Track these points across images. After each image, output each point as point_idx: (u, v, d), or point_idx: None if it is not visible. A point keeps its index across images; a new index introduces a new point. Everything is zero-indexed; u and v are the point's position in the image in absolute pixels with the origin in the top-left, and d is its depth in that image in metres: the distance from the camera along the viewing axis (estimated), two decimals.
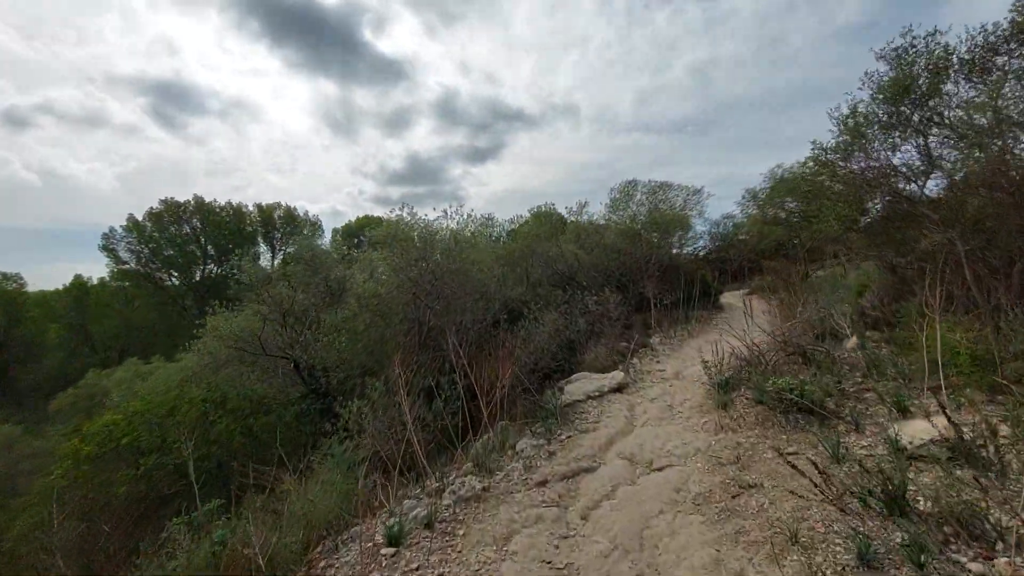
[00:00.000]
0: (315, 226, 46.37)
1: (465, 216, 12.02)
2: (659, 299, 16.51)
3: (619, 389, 9.23)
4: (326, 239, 48.47)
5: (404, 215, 11.25)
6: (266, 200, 49.21)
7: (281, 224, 47.41)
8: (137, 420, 9.04)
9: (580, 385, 9.36)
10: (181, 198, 47.29)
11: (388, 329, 10.97)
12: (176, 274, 46.48)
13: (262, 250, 48.13)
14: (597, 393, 8.93)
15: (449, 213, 11.67)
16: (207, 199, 47.18)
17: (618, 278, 18.21)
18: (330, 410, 9.76)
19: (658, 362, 11.47)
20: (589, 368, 10.70)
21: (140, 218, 46.58)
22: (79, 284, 51.12)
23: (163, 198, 47.17)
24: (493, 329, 11.40)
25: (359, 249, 17.55)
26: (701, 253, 32.72)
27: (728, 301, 21.67)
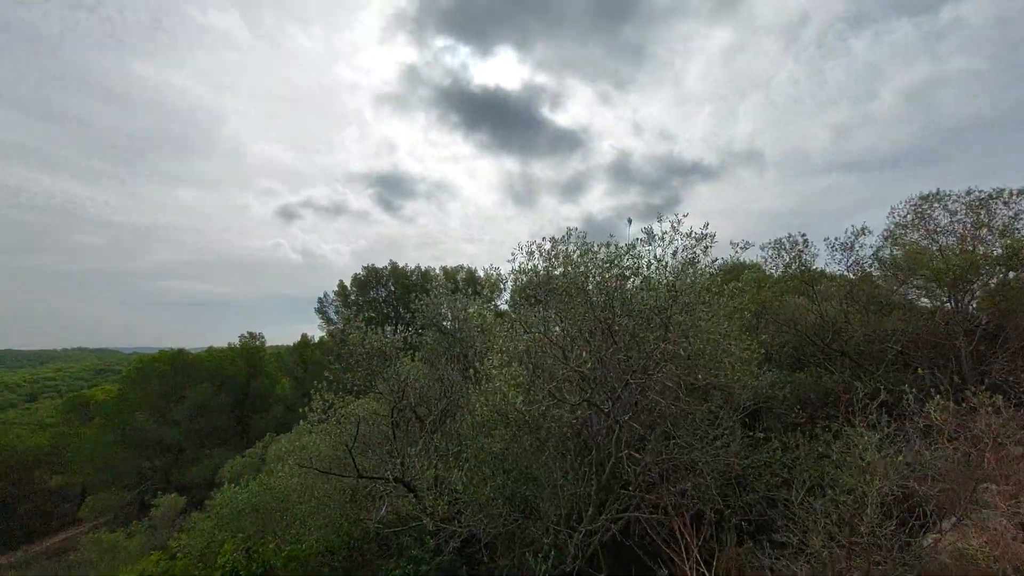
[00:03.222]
0: (495, 285, 45.16)
1: (680, 243, 6.51)
2: None
3: None
4: (504, 300, 46.99)
5: (569, 250, 6.53)
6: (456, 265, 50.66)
7: (464, 285, 47.88)
8: None
9: None
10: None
11: (540, 456, 6.28)
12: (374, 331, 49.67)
13: (444, 310, 48.83)
14: None
15: (660, 232, 6.27)
16: (410, 266, 50.52)
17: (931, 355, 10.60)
18: None
19: None
20: None
21: (349, 284, 51.75)
22: (304, 342, 57.82)
23: (365, 265, 51.68)
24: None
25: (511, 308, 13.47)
26: None
27: None
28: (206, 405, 41.49)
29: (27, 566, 23.94)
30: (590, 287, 5.85)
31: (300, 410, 8.93)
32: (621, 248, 6.14)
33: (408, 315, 47.84)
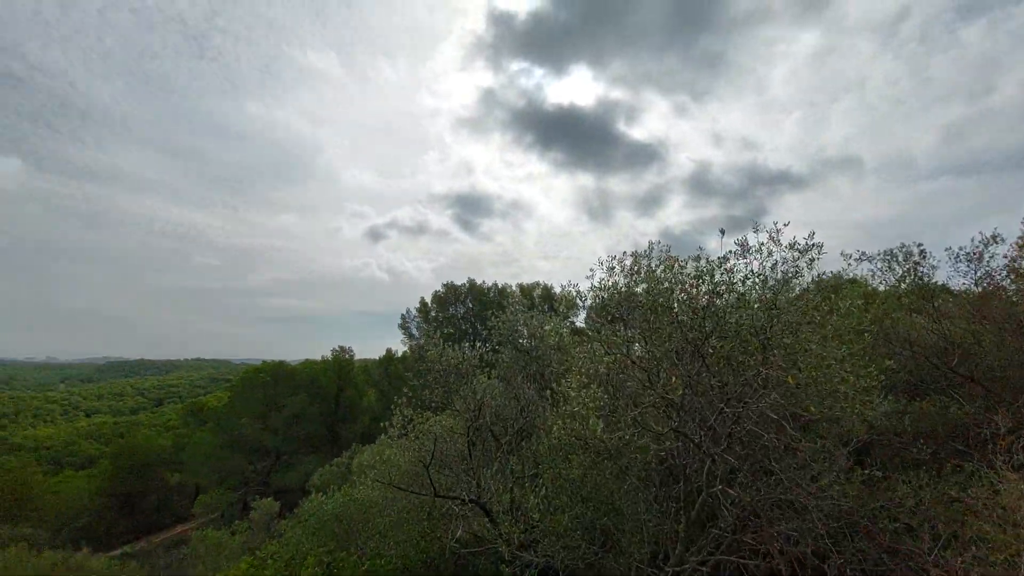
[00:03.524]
0: (569, 302, 44.90)
1: (780, 255, 5.80)
2: None
3: None
4: (581, 317, 46.44)
5: (652, 265, 6.06)
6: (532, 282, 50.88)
7: (540, 301, 47.79)
8: None
9: None
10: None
11: (622, 485, 5.83)
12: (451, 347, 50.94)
13: (520, 328, 48.91)
14: None
15: (756, 244, 5.60)
16: (488, 283, 51.56)
17: None
18: None
19: None
20: None
21: (429, 301, 53.58)
22: (388, 356, 60.30)
23: (445, 282, 53.26)
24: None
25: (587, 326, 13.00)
26: None
27: None
28: (301, 414, 44.40)
29: (148, 555, 26.62)
30: (676, 305, 5.35)
31: (382, 424, 9.14)
32: (713, 261, 5.58)
33: (485, 332, 48.59)
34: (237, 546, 19.76)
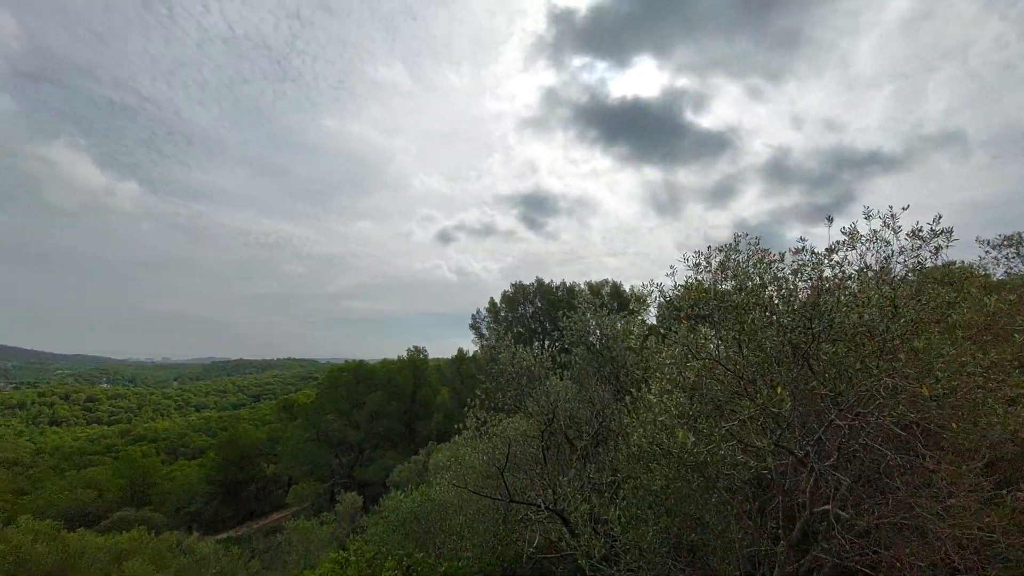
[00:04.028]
0: (640, 300, 43.72)
1: (898, 244, 4.99)
2: None
3: None
4: (651, 315, 45.04)
5: (740, 260, 5.49)
6: (600, 280, 49.97)
7: (609, 299, 46.64)
8: None
9: None
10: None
11: (709, 498, 5.35)
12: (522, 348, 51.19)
13: (592, 327, 48.11)
14: None
15: (869, 231, 4.80)
16: (556, 282, 51.28)
17: None
18: None
19: None
20: None
21: (498, 301, 54.08)
22: (460, 356, 61.61)
23: (513, 282, 53.51)
24: None
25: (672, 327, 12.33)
26: None
27: None
28: (381, 411, 46.43)
29: (248, 540, 28.89)
30: (777, 303, 4.74)
31: (456, 426, 9.19)
32: (819, 254, 4.91)
33: (555, 331, 48.30)
34: (325, 536, 20.94)
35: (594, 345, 9.93)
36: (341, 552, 7.63)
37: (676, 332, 6.21)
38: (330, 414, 45.67)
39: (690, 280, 5.50)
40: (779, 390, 4.00)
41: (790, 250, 5.08)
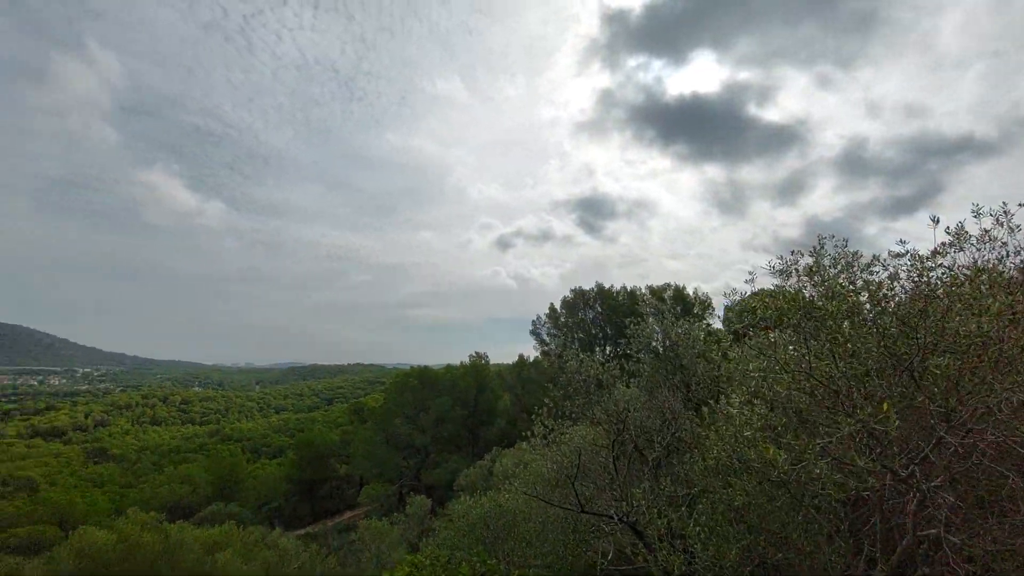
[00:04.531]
0: (704, 304, 42.13)
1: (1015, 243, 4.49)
2: None
3: None
4: (717, 320, 43.37)
5: (824, 263, 5.12)
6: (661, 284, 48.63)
7: (672, 303, 45.32)
8: None
9: None
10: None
11: (795, 515, 5.01)
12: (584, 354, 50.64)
13: (655, 331, 46.72)
14: None
15: (982, 230, 4.30)
16: (616, 287, 50.50)
17: None
18: None
19: None
20: None
21: (558, 306, 53.85)
22: (521, 362, 61.84)
23: (573, 288, 53.16)
24: None
25: (749, 333, 11.78)
26: None
27: None
28: (445, 415, 47.45)
29: (324, 537, 30.38)
30: (872, 310, 4.36)
31: (522, 433, 9.26)
32: (921, 256, 4.47)
33: (614, 333, 47.41)
34: (396, 536, 21.64)
35: (661, 352, 9.65)
36: (416, 555, 7.88)
37: (755, 341, 5.90)
38: (397, 418, 47.22)
39: (776, 286, 5.17)
40: (885, 406, 3.67)
41: (890, 253, 4.67)
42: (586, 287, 52.53)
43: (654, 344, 11.29)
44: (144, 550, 16.52)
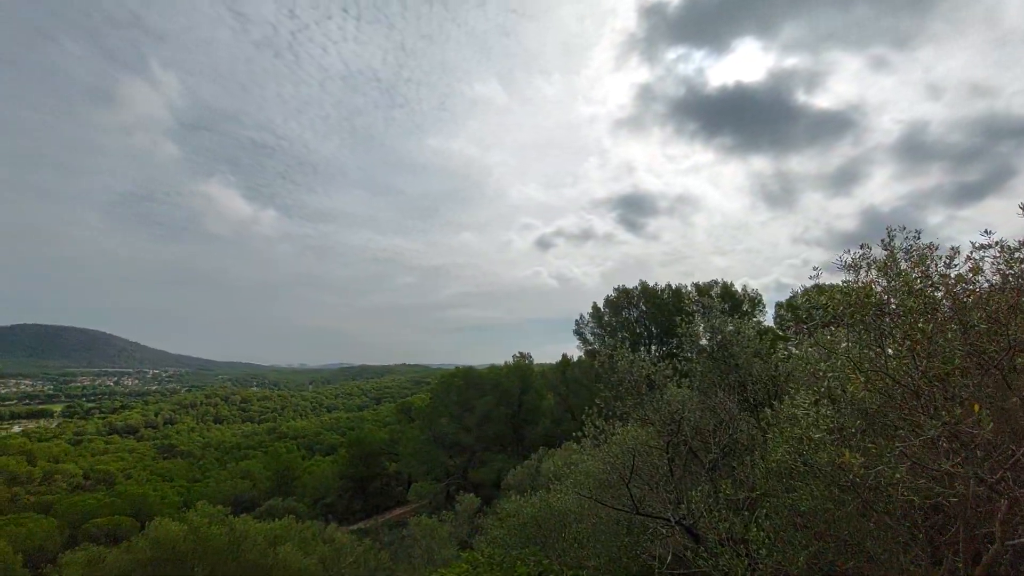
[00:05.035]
0: (754, 301, 40.68)
1: None
2: None
3: None
4: (768, 316, 41.66)
5: (895, 255, 4.81)
6: (708, 281, 47.28)
7: (718, 301, 43.96)
8: None
9: None
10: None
11: (866, 521, 4.72)
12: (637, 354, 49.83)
13: (700, 330, 45.37)
14: None
15: None
16: (660, 285, 49.46)
17: None
18: None
19: None
20: None
21: (601, 306, 53.22)
22: (565, 362, 61.53)
23: (617, 286, 52.44)
24: None
25: (806, 328, 11.28)
26: None
27: None
28: (490, 415, 47.84)
29: (376, 533, 31.27)
30: (948, 306, 4.05)
31: (573, 433, 9.22)
32: (1010, 247, 4.11)
33: (659, 332, 46.37)
34: (445, 534, 22.03)
35: (715, 351, 9.37)
36: (472, 553, 8.00)
37: (826, 339, 5.61)
38: (443, 417, 47.97)
39: (845, 282, 4.89)
40: (976, 408, 3.42)
41: (973, 244, 4.32)
42: (629, 286, 51.63)
43: (702, 343, 11.01)
44: (213, 542, 17.50)
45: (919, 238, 5.19)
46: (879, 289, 4.68)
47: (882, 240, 5.02)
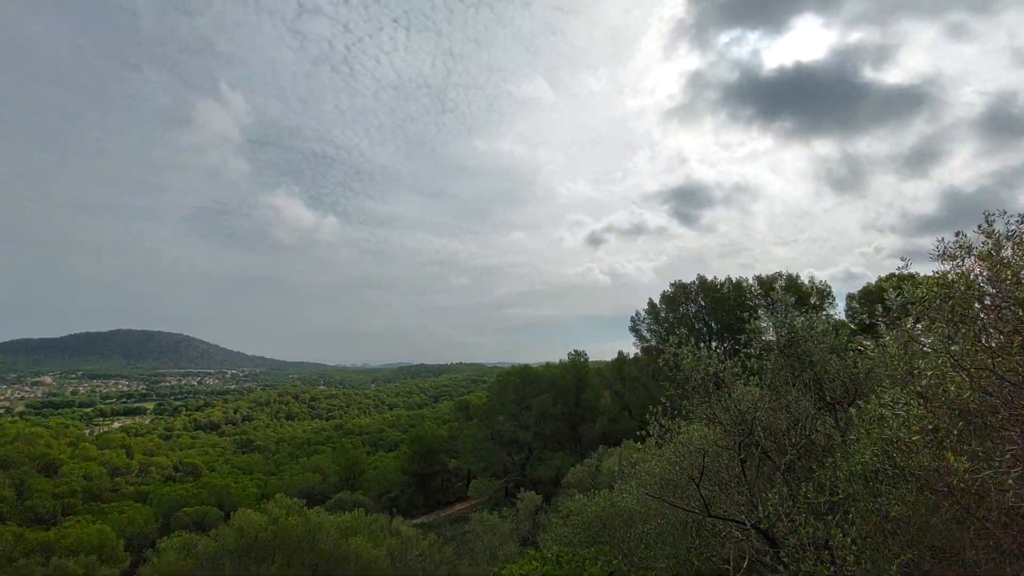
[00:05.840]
0: (823, 294, 38.24)
1: None
2: None
3: None
4: (838, 309, 38.94)
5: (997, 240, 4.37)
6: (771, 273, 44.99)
7: (783, 295, 41.58)
8: None
9: None
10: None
11: (964, 529, 4.33)
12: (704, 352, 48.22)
13: (764, 326, 43.06)
14: None
15: None
16: (719, 278, 47.62)
17: None
18: None
19: None
20: None
21: (657, 301, 51.88)
22: (621, 359, 60.52)
23: (673, 281, 50.97)
24: None
25: (883, 320, 10.56)
26: None
27: None
28: (547, 413, 47.88)
29: (438, 527, 32.08)
30: None
31: (637, 432, 9.09)
32: None
33: (719, 328, 44.60)
34: (507, 530, 22.31)
35: (785, 347, 8.93)
36: (541, 551, 8.07)
37: (910, 334, 5.24)
38: (501, 415, 48.45)
39: (946, 274, 4.49)
40: None
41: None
42: (685, 280, 49.98)
43: (766, 338, 10.55)
44: (290, 532, 18.62)
45: (1022, 221, 4.71)
46: (980, 279, 4.28)
47: (979, 226, 4.59)
